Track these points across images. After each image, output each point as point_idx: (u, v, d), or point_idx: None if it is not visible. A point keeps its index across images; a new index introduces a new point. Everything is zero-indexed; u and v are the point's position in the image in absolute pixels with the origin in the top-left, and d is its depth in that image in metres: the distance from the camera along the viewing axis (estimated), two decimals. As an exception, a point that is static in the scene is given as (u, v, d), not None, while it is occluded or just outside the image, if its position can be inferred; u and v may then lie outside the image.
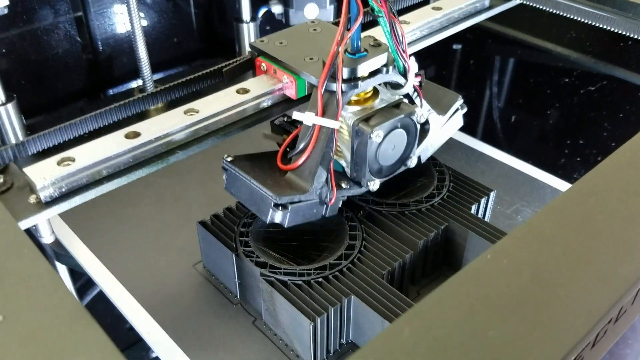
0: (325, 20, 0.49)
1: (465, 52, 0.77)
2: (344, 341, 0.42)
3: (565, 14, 0.56)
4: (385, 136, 0.40)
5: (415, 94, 0.43)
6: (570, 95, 0.67)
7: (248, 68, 0.46)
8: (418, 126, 0.42)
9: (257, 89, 0.43)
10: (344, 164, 0.42)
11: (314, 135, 0.39)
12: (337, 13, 0.82)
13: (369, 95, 0.42)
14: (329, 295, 0.40)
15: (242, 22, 0.78)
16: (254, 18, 0.79)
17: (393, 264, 0.42)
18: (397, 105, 0.41)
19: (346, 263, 0.42)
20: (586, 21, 0.55)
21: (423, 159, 0.46)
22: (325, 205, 0.41)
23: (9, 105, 0.62)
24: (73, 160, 0.37)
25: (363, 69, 0.39)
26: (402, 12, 0.54)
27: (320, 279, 0.41)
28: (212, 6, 0.85)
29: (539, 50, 0.69)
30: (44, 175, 0.35)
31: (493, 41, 0.74)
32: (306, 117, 0.39)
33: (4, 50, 0.68)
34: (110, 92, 0.78)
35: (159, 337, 0.44)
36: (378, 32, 0.47)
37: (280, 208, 0.39)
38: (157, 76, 0.77)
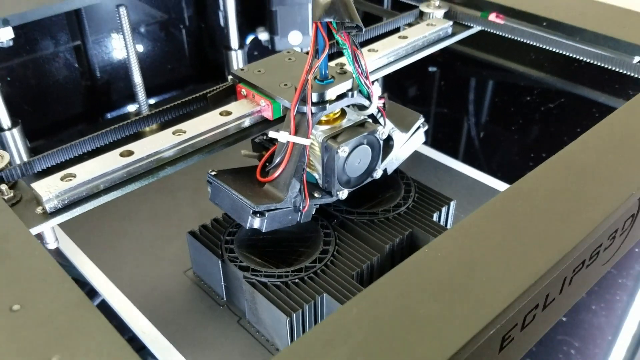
0: (299, 51, 0.54)
1: (436, 73, 0.82)
2: (319, 336, 0.47)
3: (521, 39, 0.62)
4: (351, 151, 0.45)
5: (379, 114, 0.48)
6: (531, 111, 0.73)
7: (230, 93, 0.51)
8: (381, 142, 0.47)
9: (238, 112, 0.49)
10: (316, 176, 0.48)
11: (287, 151, 0.44)
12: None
13: (337, 115, 0.47)
14: (304, 293, 0.45)
15: (231, 49, 0.84)
16: (242, 45, 0.85)
17: (362, 265, 0.47)
18: (362, 124, 0.47)
19: (320, 265, 0.47)
20: (541, 46, 0.61)
21: (389, 171, 0.51)
22: (299, 213, 0.46)
23: (15, 130, 0.67)
24: (74, 176, 0.42)
25: (330, 94, 0.44)
26: (372, 40, 0.60)
27: (296, 280, 0.46)
28: (203, 35, 0.90)
29: (503, 70, 0.75)
30: (49, 189, 0.40)
31: (461, 63, 0.79)
32: (280, 136, 0.44)
33: (8, 79, 0.73)
34: (108, 115, 0.83)
35: (154, 336, 0.49)
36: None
37: (258, 215, 0.44)
38: (151, 100, 0.82)
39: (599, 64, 0.57)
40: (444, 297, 0.30)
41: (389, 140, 0.50)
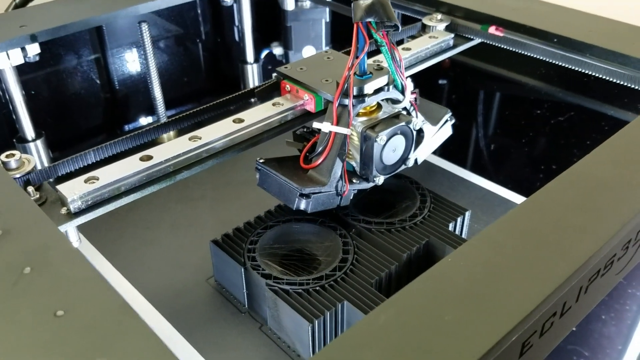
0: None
1: (448, 86, 0.84)
2: (339, 342, 0.49)
3: (526, 53, 0.64)
4: (388, 140, 0.48)
5: (412, 107, 0.51)
6: (542, 125, 0.74)
7: (274, 89, 0.55)
8: (414, 132, 0.51)
9: (283, 105, 0.53)
10: (354, 164, 0.50)
11: (330, 140, 0.48)
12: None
13: (373, 108, 0.50)
14: (325, 301, 0.46)
15: (247, 63, 0.86)
16: (257, 59, 0.87)
17: (381, 274, 0.49)
18: (396, 116, 0.50)
19: (340, 274, 0.48)
20: (553, 61, 0.62)
21: (419, 161, 0.54)
22: (340, 197, 0.49)
23: (39, 142, 0.69)
24: (97, 179, 0.44)
25: (368, 88, 0.48)
26: (377, 52, 0.62)
27: (317, 288, 0.47)
28: (219, 49, 0.92)
29: (513, 84, 0.77)
30: (74, 191, 0.43)
31: (474, 77, 0.81)
32: (324, 126, 0.48)
33: (32, 92, 0.75)
34: (127, 127, 0.85)
35: (178, 342, 0.50)
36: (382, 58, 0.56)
37: (304, 197, 0.47)
38: (169, 112, 0.84)
39: (608, 78, 0.59)
40: (468, 304, 0.31)
41: (420, 131, 0.53)
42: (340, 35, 0.91)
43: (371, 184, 0.51)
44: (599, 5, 0.68)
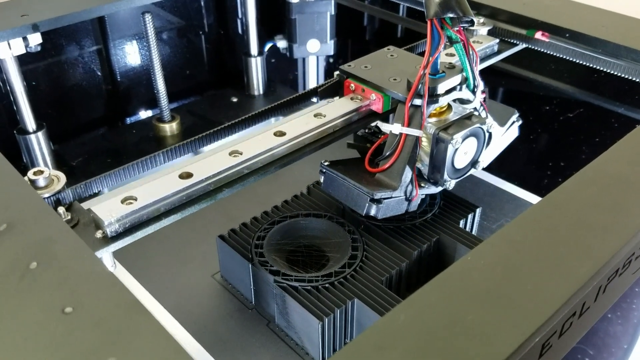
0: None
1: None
2: (348, 340, 0.48)
3: (560, 55, 0.62)
4: (462, 142, 0.46)
5: (482, 107, 0.49)
6: (551, 121, 0.74)
7: (337, 88, 0.52)
8: (486, 134, 0.48)
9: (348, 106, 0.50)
10: (421, 166, 0.48)
11: (400, 142, 0.45)
12: (337, 47, 0.88)
13: (444, 109, 0.48)
14: (334, 298, 0.45)
15: (251, 56, 0.85)
16: (261, 52, 0.86)
17: (391, 271, 0.48)
18: (469, 117, 0.48)
19: (349, 271, 0.47)
20: (564, 57, 0.62)
21: (486, 164, 0.52)
22: (409, 202, 0.47)
23: (40, 133, 0.68)
24: (135, 199, 0.40)
25: (442, 88, 0.46)
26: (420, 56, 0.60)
27: (327, 285, 0.46)
28: (222, 42, 0.91)
29: (522, 80, 0.76)
30: (111, 213, 0.39)
31: (483, 73, 0.80)
32: (394, 128, 0.45)
33: (33, 83, 0.74)
34: (128, 120, 0.84)
35: (183, 338, 0.49)
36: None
37: (375, 202, 0.45)
38: (171, 106, 0.83)
39: (620, 74, 0.58)
40: (490, 304, 0.30)
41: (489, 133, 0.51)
42: (346, 28, 0.90)
43: (440, 189, 0.48)
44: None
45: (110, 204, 0.40)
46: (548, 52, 0.62)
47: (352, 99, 0.50)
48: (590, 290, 0.34)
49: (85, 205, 0.42)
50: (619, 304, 0.70)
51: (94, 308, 0.31)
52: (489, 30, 0.64)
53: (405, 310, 0.31)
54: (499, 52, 0.63)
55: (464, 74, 0.47)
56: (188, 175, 0.43)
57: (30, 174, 0.41)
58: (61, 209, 0.40)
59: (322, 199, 0.56)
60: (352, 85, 0.51)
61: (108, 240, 0.39)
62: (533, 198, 0.65)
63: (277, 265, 0.48)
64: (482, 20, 0.65)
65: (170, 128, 0.79)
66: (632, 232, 0.36)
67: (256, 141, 0.46)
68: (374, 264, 0.48)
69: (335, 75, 0.52)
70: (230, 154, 0.45)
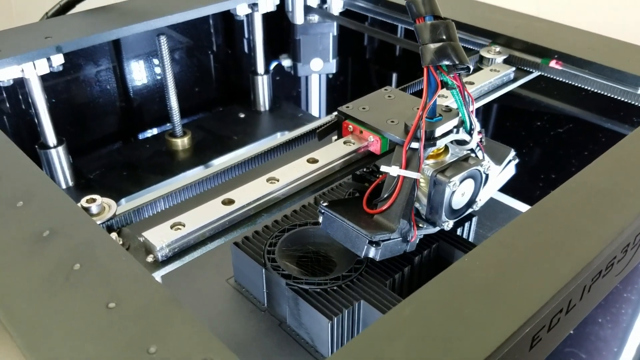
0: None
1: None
2: (354, 339, 0.52)
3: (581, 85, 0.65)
4: (459, 185, 0.47)
5: (478, 148, 0.50)
6: (542, 136, 0.78)
7: (335, 129, 0.54)
8: (484, 176, 0.49)
9: (347, 149, 0.52)
10: (419, 207, 0.49)
11: (398, 184, 0.46)
12: (339, 66, 0.93)
13: (441, 151, 0.49)
14: (342, 299, 0.49)
15: (257, 74, 0.89)
16: (267, 71, 0.90)
17: (394, 274, 0.51)
18: (465, 159, 0.49)
19: (356, 274, 0.51)
20: (551, 76, 0.66)
21: (483, 202, 0.53)
22: (407, 242, 0.48)
23: (60, 148, 0.72)
24: (183, 225, 0.43)
25: (439, 131, 0.46)
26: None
27: (335, 287, 0.50)
28: (230, 61, 0.95)
29: (514, 96, 0.80)
30: (162, 238, 0.42)
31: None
32: (392, 170, 0.46)
33: (53, 100, 0.78)
34: (142, 135, 0.88)
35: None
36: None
37: (374, 245, 0.46)
38: (183, 122, 0.87)
39: (606, 94, 0.62)
40: (485, 299, 0.34)
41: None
42: (347, 48, 0.95)
43: (437, 229, 0.49)
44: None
45: (160, 230, 0.42)
46: (563, 80, 0.65)
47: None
48: (574, 288, 0.38)
49: (131, 229, 0.46)
50: (608, 309, 0.74)
51: (134, 303, 0.34)
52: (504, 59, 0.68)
53: (410, 305, 0.35)
54: (515, 79, 0.66)
55: (461, 116, 0.48)
56: (230, 201, 0.45)
57: (83, 202, 0.43)
58: (114, 235, 0.43)
59: (328, 208, 0.59)
60: (351, 126, 0.52)
61: (159, 264, 0.42)
62: (525, 208, 0.69)
63: (288, 269, 0.52)
64: (497, 49, 0.67)
65: (182, 143, 0.83)
66: (611, 236, 0.40)
67: (290, 168, 0.50)
68: (378, 268, 0.52)
69: (333, 116, 0.54)
70: (267, 180, 0.48)
